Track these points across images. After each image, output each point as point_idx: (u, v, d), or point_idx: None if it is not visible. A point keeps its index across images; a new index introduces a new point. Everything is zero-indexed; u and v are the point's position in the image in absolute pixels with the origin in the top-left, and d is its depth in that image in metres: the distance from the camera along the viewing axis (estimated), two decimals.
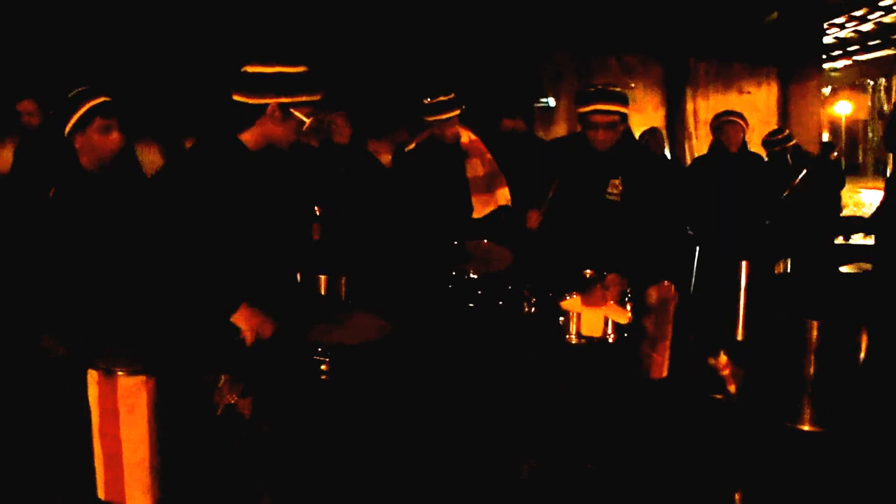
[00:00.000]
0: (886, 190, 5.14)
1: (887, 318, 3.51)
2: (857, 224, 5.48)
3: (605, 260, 3.58)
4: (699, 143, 8.74)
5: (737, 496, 3.63)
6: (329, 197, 5.10)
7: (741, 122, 5.55)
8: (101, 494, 2.85)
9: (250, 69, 2.58)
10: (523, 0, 7.57)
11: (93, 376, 2.78)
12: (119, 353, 2.83)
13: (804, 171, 5.81)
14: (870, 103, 16.94)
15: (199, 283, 2.59)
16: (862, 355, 3.57)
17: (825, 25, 8.84)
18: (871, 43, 12.45)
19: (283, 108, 2.58)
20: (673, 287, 4.27)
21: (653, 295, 4.27)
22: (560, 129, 8.37)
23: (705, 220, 5.93)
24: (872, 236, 5.05)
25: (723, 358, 4.68)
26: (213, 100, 3.69)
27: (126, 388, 2.75)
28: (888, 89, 14.93)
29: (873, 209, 5.24)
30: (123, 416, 2.77)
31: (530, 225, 3.94)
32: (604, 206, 3.70)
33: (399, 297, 4.17)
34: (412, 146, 4.64)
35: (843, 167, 12.52)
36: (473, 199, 4.62)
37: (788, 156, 6.34)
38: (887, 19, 11.63)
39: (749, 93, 9.14)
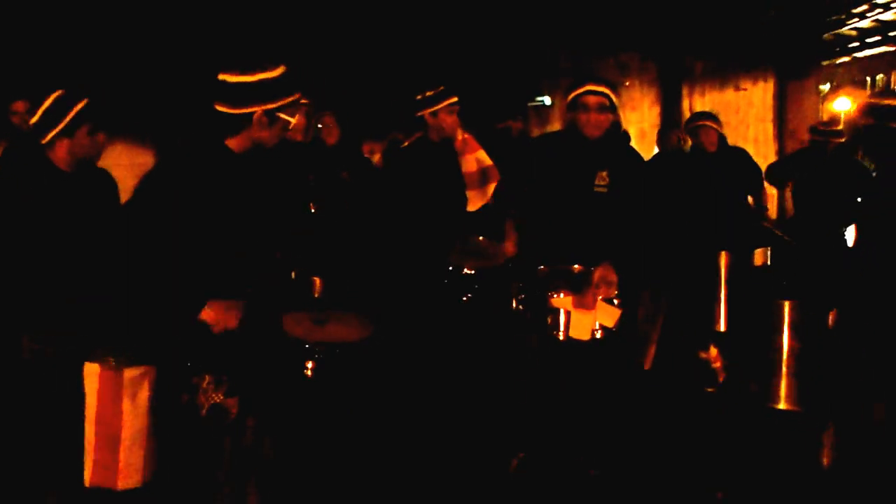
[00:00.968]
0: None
1: (862, 299, 3.53)
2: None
3: (594, 253, 3.59)
4: None
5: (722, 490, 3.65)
6: (323, 197, 5.12)
7: (712, 125, 5.72)
8: (87, 481, 2.91)
9: (231, 79, 2.60)
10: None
11: (93, 369, 2.86)
12: (122, 346, 2.90)
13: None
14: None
15: (168, 284, 2.61)
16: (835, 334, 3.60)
17: (824, 22, 8.81)
18: (870, 40, 12.43)
19: (269, 113, 2.62)
20: (665, 286, 4.29)
21: (647, 294, 4.29)
22: (555, 128, 8.36)
23: (683, 215, 5.97)
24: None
25: (713, 350, 4.69)
26: (203, 101, 3.85)
27: (131, 379, 2.85)
28: (888, 86, 14.94)
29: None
30: (126, 405, 2.86)
31: (507, 251, 4.02)
32: (592, 199, 3.71)
33: (392, 295, 4.19)
34: (405, 144, 4.66)
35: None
36: (469, 195, 4.64)
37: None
38: (886, 16, 11.63)
39: (745, 90, 9.13)
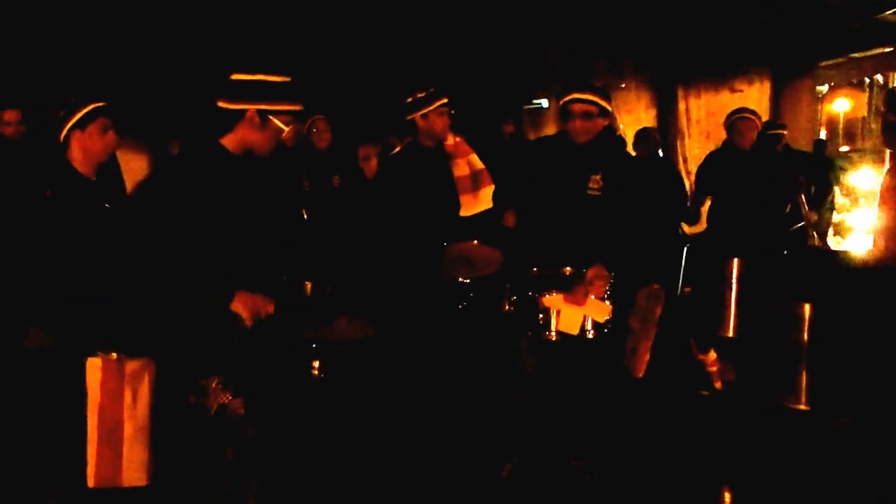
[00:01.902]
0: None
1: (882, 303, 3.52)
2: None
3: (586, 255, 3.60)
4: (691, 142, 8.72)
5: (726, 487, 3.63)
6: (314, 202, 5.09)
7: (755, 119, 5.48)
8: (91, 481, 2.92)
9: (234, 77, 2.69)
10: (515, 2, 7.58)
11: (95, 363, 2.92)
12: (122, 341, 2.96)
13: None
14: (867, 101, 16.91)
15: (194, 279, 2.65)
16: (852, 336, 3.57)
17: (820, 23, 8.79)
18: (867, 40, 12.40)
19: (262, 114, 2.68)
20: (661, 289, 4.27)
21: (641, 296, 4.27)
22: (551, 131, 8.34)
23: (713, 217, 5.88)
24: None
25: (711, 355, 4.68)
26: (195, 105, 3.80)
27: (133, 372, 2.93)
28: (885, 87, 14.90)
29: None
30: (128, 398, 2.92)
31: (508, 223, 3.98)
32: (584, 202, 3.73)
33: (387, 301, 4.17)
34: (397, 150, 4.64)
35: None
36: (461, 199, 4.62)
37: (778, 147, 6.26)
38: (884, 16, 11.61)
39: (741, 91, 9.12)
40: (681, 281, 5.17)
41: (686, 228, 6.39)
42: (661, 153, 6.95)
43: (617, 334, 3.84)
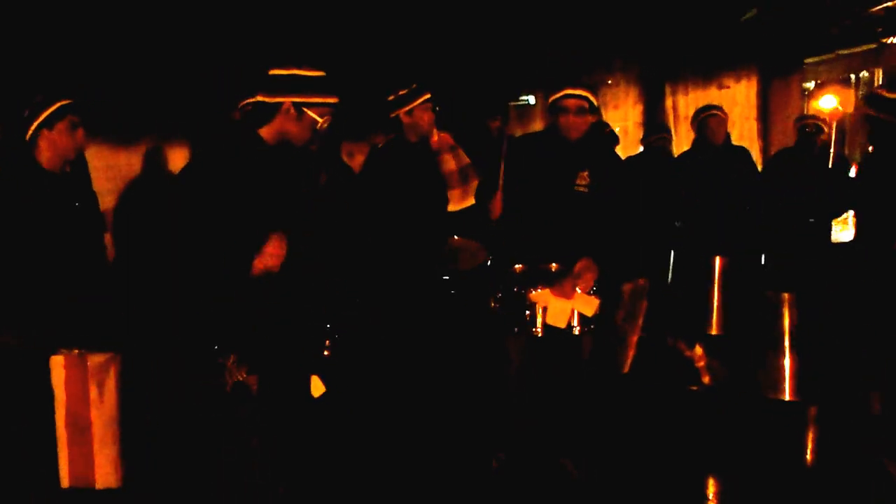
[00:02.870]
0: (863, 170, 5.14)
1: (867, 293, 3.53)
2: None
3: (573, 251, 3.60)
4: (679, 139, 8.69)
5: (712, 479, 3.63)
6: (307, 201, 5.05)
7: (722, 115, 5.52)
8: (65, 481, 2.91)
9: (272, 72, 2.89)
10: None
11: (58, 361, 2.92)
12: (87, 337, 2.97)
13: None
14: (854, 97, 16.96)
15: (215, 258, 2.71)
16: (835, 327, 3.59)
17: (807, 20, 8.81)
18: (854, 37, 12.44)
19: (297, 106, 2.86)
20: (646, 285, 4.27)
21: (626, 291, 4.26)
22: (538, 127, 8.32)
23: (688, 215, 5.92)
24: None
25: (698, 350, 4.69)
26: (227, 103, 4.28)
27: (97, 366, 2.93)
28: (871, 83, 14.94)
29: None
30: (93, 393, 2.91)
31: (493, 215, 3.97)
32: (572, 198, 3.74)
33: (376, 296, 4.14)
34: (381, 145, 4.64)
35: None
36: (450, 194, 4.60)
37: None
38: (870, 12, 11.64)
39: (728, 87, 9.13)
40: (670, 277, 5.17)
41: None
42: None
43: (604, 330, 3.84)
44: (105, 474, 2.93)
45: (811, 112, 9.15)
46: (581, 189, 3.75)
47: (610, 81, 8.99)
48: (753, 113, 9.12)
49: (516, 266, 3.68)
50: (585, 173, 3.74)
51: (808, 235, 5.73)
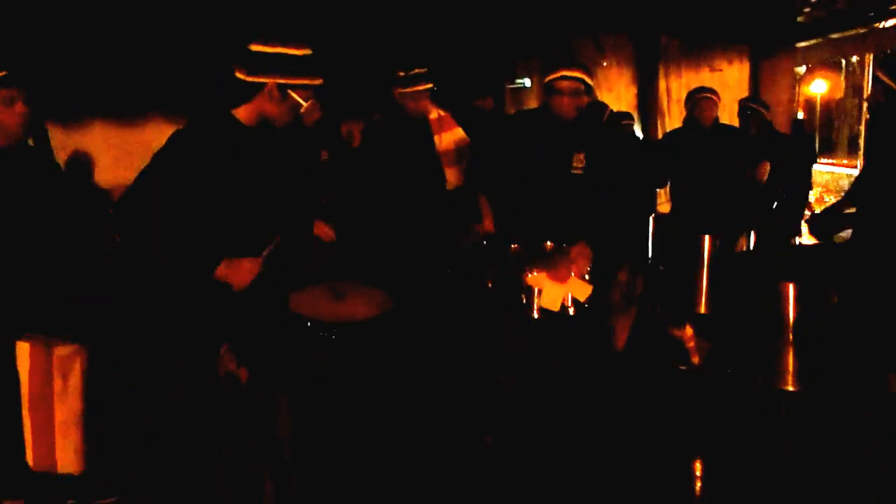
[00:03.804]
0: (866, 159, 5.19)
1: (869, 284, 3.56)
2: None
3: (569, 233, 3.62)
4: (671, 121, 8.75)
5: (699, 462, 3.69)
6: (309, 180, 5.07)
7: (714, 98, 5.62)
8: (31, 463, 2.91)
9: (254, 48, 2.63)
10: None
11: (23, 348, 2.84)
12: (56, 326, 2.88)
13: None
14: (844, 81, 17.03)
15: (183, 249, 2.60)
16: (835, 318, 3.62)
17: (798, 2, 8.83)
18: (844, 20, 12.46)
19: (281, 88, 2.63)
20: (638, 266, 4.33)
21: (623, 272, 4.32)
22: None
23: (676, 193, 5.99)
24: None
25: (688, 330, 4.74)
26: (208, 78, 3.82)
27: (62, 358, 2.83)
28: (861, 68, 15.03)
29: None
30: (58, 385, 2.84)
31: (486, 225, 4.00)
32: (568, 180, 3.75)
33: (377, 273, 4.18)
34: (378, 119, 4.65)
35: (816, 144, 12.61)
36: (447, 173, 4.64)
37: (756, 126, 6.30)
38: None
39: (720, 70, 9.17)
40: (656, 258, 5.22)
41: None
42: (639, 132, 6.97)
43: (598, 312, 3.87)
44: (67, 460, 2.89)
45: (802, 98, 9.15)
46: (577, 171, 3.74)
47: (605, 63, 9.00)
48: (744, 95, 9.17)
49: (512, 246, 3.68)
50: (581, 155, 3.73)
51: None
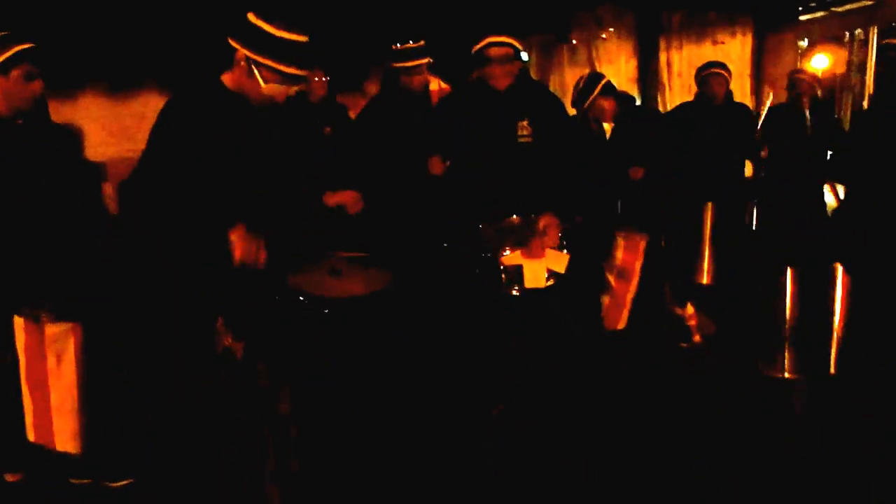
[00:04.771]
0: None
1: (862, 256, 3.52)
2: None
3: (528, 203, 3.57)
4: (672, 95, 8.68)
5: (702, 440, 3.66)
6: (310, 154, 5.02)
7: (724, 73, 5.52)
8: (30, 437, 2.88)
9: (248, 16, 2.61)
10: None
11: (19, 323, 2.81)
12: (45, 301, 2.83)
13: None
14: (847, 56, 16.84)
15: (195, 206, 2.59)
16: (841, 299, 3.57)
17: None
18: None
19: (248, 62, 2.59)
20: (643, 243, 4.25)
21: (619, 249, 4.26)
22: None
23: (678, 166, 5.92)
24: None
25: (689, 308, 4.70)
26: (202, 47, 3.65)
27: (53, 336, 2.78)
28: (865, 42, 14.83)
29: None
30: (51, 363, 2.79)
31: (434, 171, 3.89)
32: (517, 149, 3.69)
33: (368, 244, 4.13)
34: (377, 93, 4.61)
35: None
36: None
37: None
38: None
39: (723, 43, 9.06)
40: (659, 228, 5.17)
41: None
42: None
43: (588, 287, 3.81)
44: (63, 439, 2.86)
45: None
46: (525, 140, 3.68)
47: (604, 36, 8.90)
48: (747, 69, 9.08)
49: (480, 225, 3.63)
50: (525, 122, 3.67)
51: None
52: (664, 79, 8.90)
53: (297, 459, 2.92)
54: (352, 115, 5.58)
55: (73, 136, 4.76)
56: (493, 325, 3.71)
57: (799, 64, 9.93)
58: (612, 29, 9.00)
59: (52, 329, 2.79)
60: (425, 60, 4.37)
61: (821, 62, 12.73)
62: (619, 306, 4.26)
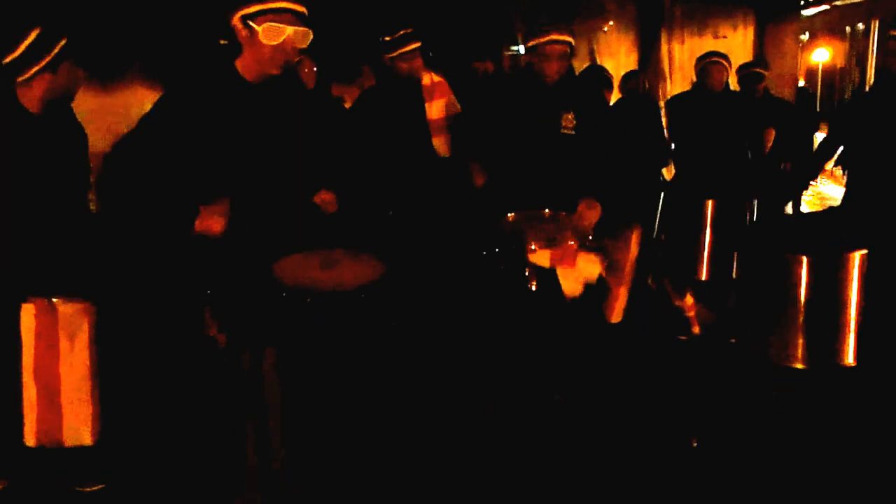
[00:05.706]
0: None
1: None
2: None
3: (565, 195, 3.56)
4: (673, 86, 8.65)
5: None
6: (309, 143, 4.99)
7: (724, 63, 5.55)
8: (30, 440, 2.79)
9: None
10: None
11: (28, 309, 2.74)
12: (58, 284, 2.79)
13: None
14: (847, 50, 16.82)
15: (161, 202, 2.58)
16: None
17: None
18: None
19: (244, 21, 2.47)
20: (634, 235, 4.20)
21: (609, 241, 4.21)
22: None
23: (679, 157, 5.91)
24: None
25: (689, 299, 4.65)
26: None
27: (67, 316, 2.73)
28: (866, 34, 14.79)
29: None
30: (64, 346, 2.73)
31: (476, 182, 3.93)
32: (560, 140, 3.73)
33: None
34: (369, 85, 4.58)
35: (819, 111, 12.51)
36: (434, 142, 4.53)
37: (759, 90, 6.21)
38: None
39: (725, 36, 9.04)
40: (657, 225, 5.13)
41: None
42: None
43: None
44: (75, 432, 2.77)
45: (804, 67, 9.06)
46: (568, 131, 3.73)
47: (605, 28, 8.87)
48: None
49: (509, 215, 3.61)
50: (570, 115, 3.74)
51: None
52: (665, 70, 8.88)
53: (280, 457, 2.87)
54: (347, 106, 5.56)
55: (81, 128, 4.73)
56: (510, 319, 3.70)
57: (799, 58, 9.91)
58: (612, 22, 8.97)
59: (65, 308, 2.75)
60: (417, 44, 4.35)
61: (821, 55, 12.67)
62: (613, 300, 4.22)
